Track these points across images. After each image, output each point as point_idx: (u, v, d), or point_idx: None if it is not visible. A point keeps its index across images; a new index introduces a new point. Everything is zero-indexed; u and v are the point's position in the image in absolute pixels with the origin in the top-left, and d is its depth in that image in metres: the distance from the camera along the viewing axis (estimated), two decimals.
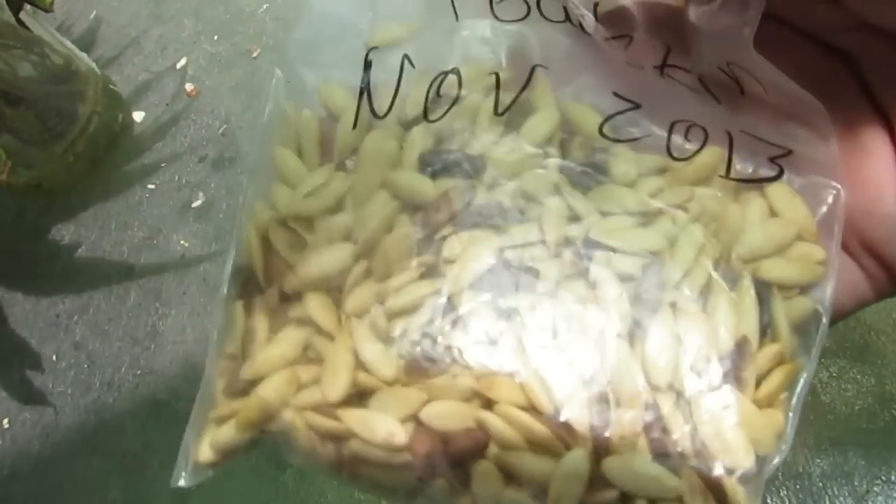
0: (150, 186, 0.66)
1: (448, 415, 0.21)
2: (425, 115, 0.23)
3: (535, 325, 0.21)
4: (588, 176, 0.23)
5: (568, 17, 0.23)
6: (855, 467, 0.46)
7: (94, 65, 0.67)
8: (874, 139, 0.23)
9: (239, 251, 0.24)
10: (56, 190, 0.67)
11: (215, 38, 0.71)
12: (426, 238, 0.22)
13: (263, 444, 0.24)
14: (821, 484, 0.46)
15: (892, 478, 0.46)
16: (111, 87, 0.68)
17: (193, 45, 0.71)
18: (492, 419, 0.21)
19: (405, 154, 0.23)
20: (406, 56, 0.23)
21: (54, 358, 0.61)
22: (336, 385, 0.22)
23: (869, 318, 0.50)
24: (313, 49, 0.25)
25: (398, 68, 0.23)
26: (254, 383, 0.23)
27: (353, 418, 0.22)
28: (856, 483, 0.46)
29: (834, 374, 0.49)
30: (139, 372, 0.59)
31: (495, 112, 0.23)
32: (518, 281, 0.22)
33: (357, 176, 0.23)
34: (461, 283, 0.22)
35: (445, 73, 0.23)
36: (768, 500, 0.47)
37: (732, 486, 0.20)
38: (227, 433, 0.22)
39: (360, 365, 0.22)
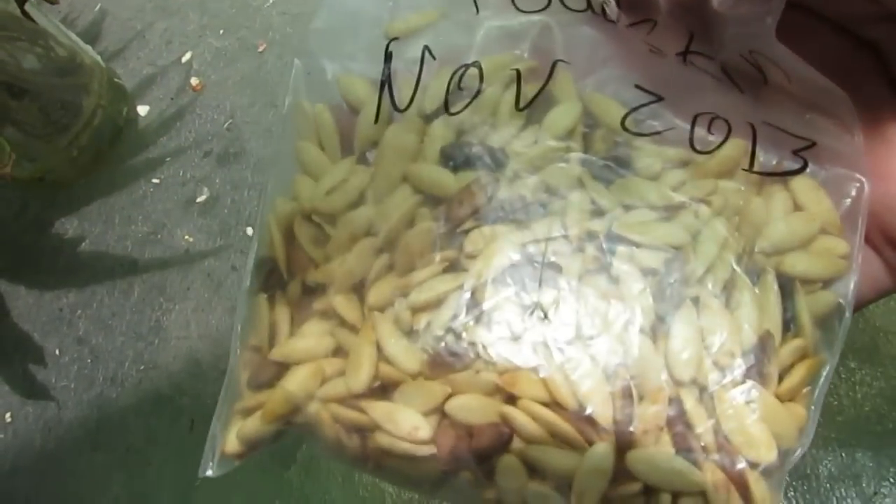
0: (155, 181, 0.65)
1: (472, 408, 0.21)
2: (446, 107, 0.23)
3: (558, 321, 0.21)
4: (610, 169, 0.22)
5: (590, 5, 0.23)
6: (863, 469, 0.46)
7: (98, 58, 0.66)
8: None
9: (261, 244, 0.24)
10: (59, 183, 0.66)
11: (221, 32, 0.70)
12: (448, 232, 0.22)
13: (287, 436, 0.24)
14: (828, 485, 0.46)
15: None
16: (116, 80, 0.68)
17: (199, 39, 0.70)
18: (516, 414, 0.21)
19: (426, 147, 0.23)
20: (426, 48, 0.23)
21: (57, 352, 0.61)
22: (360, 377, 0.22)
23: (878, 320, 0.49)
24: (333, 39, 0.25)
25: (419, 60, 0.23)
26: (278, 376, 0.23)
27: (378, 411, 0.22)
28: (864, 484, 0.46)
29: (843, 376, 0.49)
30: (142, 367, 0.59)
31: (517, 107, 0.22)
32: (541, 276, 0.21)
33: (378, 169, 0.23)
34: (484, 278, 0.21)
35: (467, 66, 0.23)
36: None
37: (756, 479, 0.20)
38: (253, 425, 0.23)
39: (383, 358, 0.22)
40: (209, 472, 0.23)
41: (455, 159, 0.22)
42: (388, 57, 0.23)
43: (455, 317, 0.21)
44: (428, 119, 0.23)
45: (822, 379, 0.22)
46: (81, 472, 0.57)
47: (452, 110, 0.23)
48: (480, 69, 0.23)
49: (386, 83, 0.23)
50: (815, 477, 0.47)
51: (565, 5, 0.23)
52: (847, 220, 0.22)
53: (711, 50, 0.23)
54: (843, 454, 0.47)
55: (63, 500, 0.56)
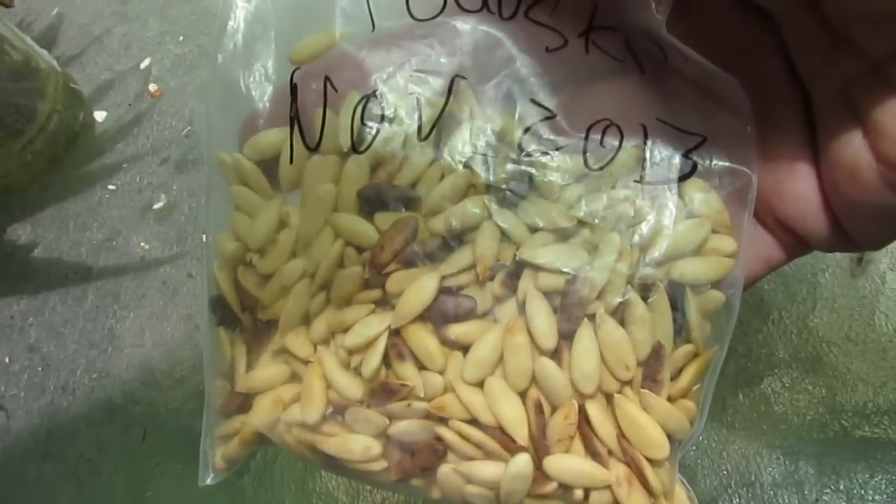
0: (111, 187, 0.65)
1: (411, 431, 0.24)
2: (354, 146, 0.23)
3: (476, 350, 0.23)
4: (514, 193, 0.23)
5: (485, 4, 0.23)
6: (805, 476, 0.48)
7: (54, 62, 0.66)
8: (789, 116, 0.23)
9: (210, 283, 0.26)
10: (13, 188, 0.65)
11: (181, 38, 0.70)
12: (374, 275, 0.24)
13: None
14: (772, 492, 0.48)
15: (842, 486, 0.47)
16: (72, 85, 0.67)
17: (158, 46, 0.70)
18: (447, 433, 0.24)
19: (343, 190, 0.24)
20: (328, 79, 0.23)
21: (7, 360, 0.60)
22: (313, 410, 0.24)
23: (821, 331, 0.51)
24: (245, 51, 0.24)
25: (322, 91, 0.23)
26: (246, 404, 0.26)
27: (332, 444, 0.24)
28: (806, 492, 0.47)
29: (787, 385, 0.50)
30: (95, 376, 0.58)
31: (418, 137, 0.23)
32: (458, 307, 0.23)
33: (303, 216, 0.24)
34: (407, 317, 0.23)
35: (367, 97, 0.23)
36: None
37: (652, 471, 0.23)
38: (233, 448, 0.26)
39: (332, 387, 0.25)
40: (208, 482, 0.27)
41: (372, 203, 0.23)
42: (293, 90, 0.23)
43: (382, 354, 0.24)
44: (342, 155, 0.23)
45: (711, 370, 0.24)
46: (30, 481, 0.56)
47: (360, 148, 0.23)
48: (380, 99, 0.23)
49: (295, 120, 0.23)
50: (760, 484, 0.48)
51: (460, 6, 0.23)
52: (735, 214, 0.23)
53: (615, 21, 0.23)
54: (787, 462, 0.48)
55: None
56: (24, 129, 0.63)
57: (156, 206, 0.63)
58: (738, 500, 0.47)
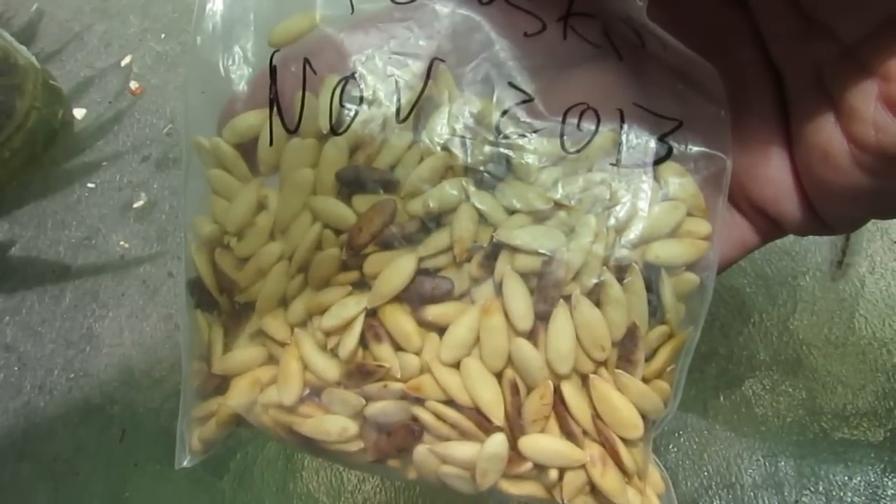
0: (90, 185, 0.64)
1: (387, 412, 0.24)
2: (332, 129, 0.23)
3: (452, 331, 0.23)
4: (492, 175, 0.23)
5: None
6: (785, 477, 0.48)
7: (33, 59, 0.65)
8: (763, 100, 0.24)
9: (188, 266, 0.26)
10: None
11: (162, 36, 0.69)
12: (351, 256, 0.24)
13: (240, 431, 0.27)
14: (752, 493, 0.48)
15: (821, 488, 0.47)
16: (52, 82, 0.66)
17: (139, 43, 0.69)
18: (423, 414, 0.24)
19: (322, 173, 0.24)
20: (307, 61, 0.23)
21: None
22: (289, 392, 0.24)
23: (802, 334, 0.51)
24: (225, 33, 0.25)
25: (301, 73, 0.23)
26: (223, 386, 0.26)
27: (308, 425, 0.24)
28: (786, 493, 0.48)
29: (767, 387, 0.50)
30: (73, 375, 0.58)
31: (397, 119, 0.23)
32: (435, 289, 0.23)
33: (281, 199, 0.24)
34: (384, 297, 0.23)
35: (346, 79, 0.23)
36: None
37: (626, 451, 0.23)
38: (210, 430, 0.26)
39: (309, 369, 0.24)
40: (185, 464, 0.27)
41: (350, 185, 0.23)
42: (272, 73, 0.23)
43: (360, 335, 0.24)
44: (321, 138, 0.23)
45: (685, 351, 0.25)
46: (6, 482, 0.55)
47: (339, 130, 0.23)
48: (359, 81, 0.23)
49: (274, 102, 0.23)
50: (740, 486, 0.48)
51: None
52: (710, 198, 0.24)
53: (594, 8, 0.23)
54: (767, 463, 0.48)
55: None
56: (2, 126, 0.62)
57: (136, 205, 0.63)
58: (719, 501, 0.48)
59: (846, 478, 0.47)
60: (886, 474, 0.46)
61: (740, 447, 0.49)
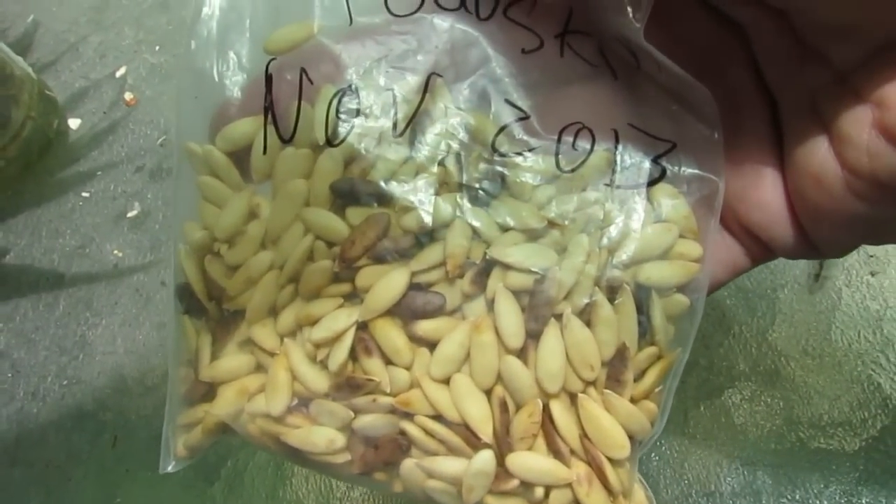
0: (85, 194, 0.65)
1: (375, 426, 0.24)
2: (328, 140, 0.23)
3: (443, 347, 0.23)
4: (486, 191, 0.23)
5: (463, 3, 0.23)
6: (763, 486, 0.49)
7: (29, 69, 0.66)
8: (756, 124, 0.24)
9: (177, 271, 0.25)
10: None
11: (157, 48, 0.70)
12: (343, 269, 0.24)
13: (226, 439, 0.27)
14: (731, 501, 0.49)
15: (798, 496, 0.48)
16: (47, 92, 0.67)
17: (134, 54, 0.70)
18: (411, 429, 0.24)
19: (316, 184, 0.23)
20: (303, 71, 0.23)
21: None
22: (278, 401, 0.24)
23: (780, 345, 0.52)
24: (219, 40, 0.24)
25: (297, 83, 0.23)
26: (209, 393, 0.25)
27: (295, 436, 0.24)
28: (763, 501, 0.49)
29: (746, 397, 0.51)
30: (66, 382, 0.58)
31: (394, 133, 0.23)
32: (427, 304, 0.23)
33: (274, 209, 0.24)
34: (375, 311, 0.23)
35: (343, 91, 0.23)
36: None
37: (612, 470, 0.23)
38: (195, 437, 0.26)
39: (297, 379, 0.24)
40: (169, 469, 0.26)
41: (344, 197, 0.23)
42: (268, 81, 0.23)
43: (350, 348, 0.23)
44: (316, 149, 0.23)
45: (674, 372, 0.25)
46: None
47: (335, 141, 0.23)
48: (357, 93, 0.23)
49: (269, 110, 0.23)
50: (719, 494, 0.49)
51: (438, 4, 0.23)
52: (702, 220, 0.24)
53: (590, 27, 0.23)
54: (745, 472, 0.49)
55: None
56: None
57: (130, 214, 0.64)
58: None
59: (822, 486, 0.48)
60: (861, 483, 0.48)
61: (720, 456, 0.50)
